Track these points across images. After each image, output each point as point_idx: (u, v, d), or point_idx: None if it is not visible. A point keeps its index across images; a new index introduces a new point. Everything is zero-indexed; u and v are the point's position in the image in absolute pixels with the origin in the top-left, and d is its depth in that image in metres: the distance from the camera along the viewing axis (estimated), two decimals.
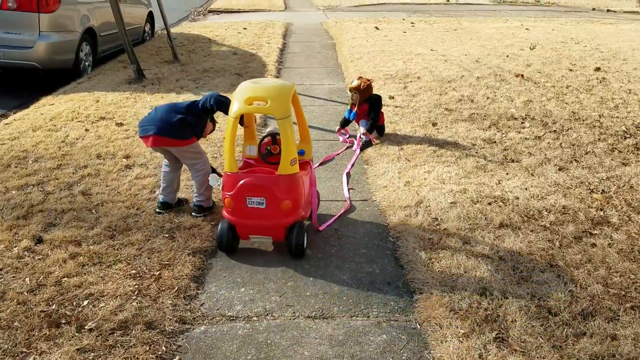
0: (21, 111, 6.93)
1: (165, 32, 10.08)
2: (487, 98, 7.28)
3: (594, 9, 22.84)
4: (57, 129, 6.01)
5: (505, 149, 5.45)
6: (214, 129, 4.26)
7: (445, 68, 9.14)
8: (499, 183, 4.57)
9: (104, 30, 9.81)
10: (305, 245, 3.61)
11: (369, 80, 5.82)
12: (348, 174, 5.04)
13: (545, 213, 4.08)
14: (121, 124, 6.16)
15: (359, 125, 5.92)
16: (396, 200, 4.34)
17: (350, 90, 5.96)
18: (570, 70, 9.25)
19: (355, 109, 5.88)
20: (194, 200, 4.10)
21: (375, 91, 6.06)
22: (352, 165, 5.26)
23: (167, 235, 3.76)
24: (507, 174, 4.80)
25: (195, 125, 3.98)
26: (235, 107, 3.50)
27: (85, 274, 3.31)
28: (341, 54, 11.01)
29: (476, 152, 5.34)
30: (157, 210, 4.12)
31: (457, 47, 11.50)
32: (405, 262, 3.50)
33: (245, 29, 13.89)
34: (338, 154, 5.55)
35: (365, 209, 4.35)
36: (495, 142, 5.66)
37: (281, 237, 3.61)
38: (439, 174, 4.76)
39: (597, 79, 8.62)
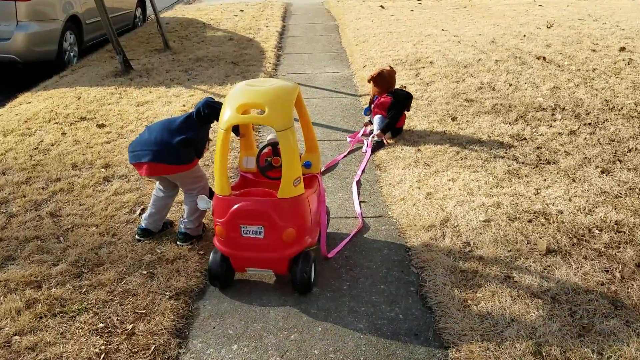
0: None
1: (158, 15, 9.35)
2: (510, 85, 6.57)
3: None
4: (31, 132, 5.36)
5: (537, 148, 4.77)
6: (207, 148, 3.58)
7: (460, 50, 8.40)
8: (538, 193, 3.90)
9: (90, 17, 9.10)
10: (312, 279, 2.98)
11: (387, 67, 5.13)
12: (358, 183, 4.39)
13: (597, 232, 3.42)
14: (102, 125, 5.50)
15: (371, 121, 5.25)
16: (417, 217, 3.69)
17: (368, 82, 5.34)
18: (593, 50, 8.49)
19: (368, 104, 5.19)
20: (182, 226, 3.46)
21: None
22: (363, 171, 4.60)
23: (145, 273, 3.12)
24: (545, 180, 4.13)
25: (197, 142, 3.36)
26: (226, 117, 2.83)
27: (42, 329, 2.69)
28: (345, 37, 10.26)
29: (505, 153, 4.66)
30: (137, 236, 3.49)
31: (470, 26, 10.72)
32: (435, 303, 2.86)
33: (242, 11, 13.11)
34: (345, 157, 4.88)
35: (381, 228, 3.70)
36: (525, 138, 4.98)
37: (284, 270, 2.98)
38: (466, 182, 4.09)
39: (623, 60, 7.87)
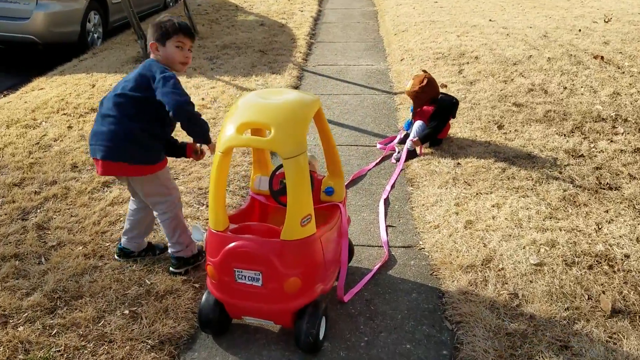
0: (5, 97, 5.92)
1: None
2: (564, 88, 5.87)
3: None
4: (36, 124, 4.97)
5: (597, 168, 4.12)
6: (202, 154, 3.05)
7: (508, 45, 7.67)
8: (599, 229, 3.29)
9: None
10: (321, 337, 2.47)
11: (425, 77, 4.45)
12: (386, 201, 3.84)
13: None
14: None
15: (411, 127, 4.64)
16: (453, 252, 3.12)
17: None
18: None
19: (410, 116, 4.57)
20: (170, 251, 2.98)
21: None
22: (392, 186, 4.04)
23: (127, 312, 2.66)
24: (607, 211, 3.50)
25: (158, 134, 2.75)
26: (224, 137, 2.32)
27: None
28: (383, 25, 9.61)
29: (560, 173, 4.03)
30: (116, 256, 3.05)
31: (519, 17, 9.91)
32: None
33: None
34: (372, 168, 4.33)
35: (410, 262, 3.16)
36: (582, 155, 4.33)
37: (286, 323, 2.47)
38: (513, 209, 3.50)
39: None
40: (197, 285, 2.89)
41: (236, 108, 2.41)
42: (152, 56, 2.75)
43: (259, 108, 2.36)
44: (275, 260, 2.29)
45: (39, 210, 3.58)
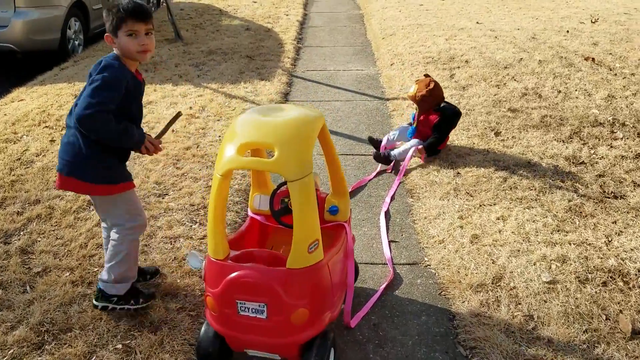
0: None
1: (169, 3, 8.65)
2: (558, 92, 5.79)
3: None
4: (17, 138, 4.75)
5: (599, 175, 4.03)
6: (155, 149, 2.57)
7: (498, 47, 7.59)
8: (609, 242, 3.18)
9: (97, 2, 8.46)
10: None
11: (429, 82, 4.32)
12: (387, 214, 3.70)
13: None
14: None
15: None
16: (461, 269, 3.00)
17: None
18: None
19: (415, 123, 4.42)
20: (99, 277, 2.67)
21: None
22: (392, 198, 3.91)
23: (120, 346, 2.48)
24: (615, 222, 3.41)
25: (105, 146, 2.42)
26: (224, 159, 2.16)
27: None
28: (370, 29, 9.49)
29: (562, 182, 3.93)
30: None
31: (506, 18, 9.86)
32: None
33: None
34: (372, 179, 4.20)
35: (416, 281, 3.02)
36: (583, 162, 4.23)
37: (293, 356, 2.31)
38: (519, 222, 3.38)
39: None
40: (193, 314, 2.72)
41: (235, 126, 2.25)
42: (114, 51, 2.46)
43: (261, 127, 2.21)
44: (281, 291, 2.14)
45: (22, 233, 3.38)
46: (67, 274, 2.98)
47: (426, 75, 4.48)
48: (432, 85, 4.27)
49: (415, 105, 4.50)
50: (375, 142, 4.55)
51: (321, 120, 2.33)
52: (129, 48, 2.39)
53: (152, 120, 5.13)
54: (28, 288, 2.88)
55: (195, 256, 2.43)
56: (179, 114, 2.70)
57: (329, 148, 2.53)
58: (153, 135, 2.59)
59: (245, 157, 2.15)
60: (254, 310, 2.18)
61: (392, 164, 4.32)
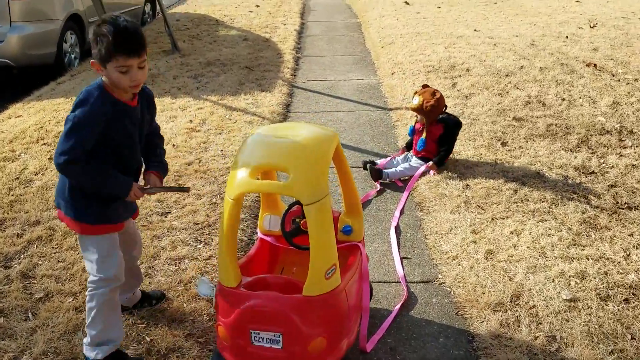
0: None
1: (166, 15, 8.58)
2: (562, 100, 5.73)
3: None
4: (15, 157, 4.65)
5: (611, 185, 3.96)
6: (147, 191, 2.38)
7: (497, 55, 7.55)
8: (628, 256, 3.10)
9: (93, 15, 8.34)
10: None
11: (434, 91, 4.24)
12: (397, 229, 3.62)
13: None
14: None
15: (414, 150, 4.42)
16: (478, 287, 2.91)
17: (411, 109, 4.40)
18: None
19: (424, 134, 4.28)
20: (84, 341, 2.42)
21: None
22: (401, 212, 3.83)
23: None
24: (631, 234, 3.33)
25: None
26: (236, 182, 2.07)
27: None
28: (369, 37, 9.44)
29: (574, 193, 3.86)
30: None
31: (504, 25, 9.83)
32: None
33: (257, 6, 12.29)
34: (378, 192, 4.11)
35: (431, 300, 2.93)
36: (593, 172, 4.16)
37: None
38: (534, 236, 3.30)
39: None
40: (201, 340, 2.62)
41: (246, 147, 2.17)
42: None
43: (273, 148, 2.12)
44: (297, 320, 2.05)
45: (22, 256, 3.28)
46: (70, 299, 2.88)
47: (425, 86, 4.41)
48: (438, 95, 4.20)
49: (417, 117, 4.42)
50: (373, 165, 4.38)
51: (335, 140, 2.25)
52: (121, 83, 2.15)
53: None
54: (30, 315, 2.78)
55: (206, 283, 2.34)
56: (186, 190, 2.57)
57: (343, 166, 2.45)
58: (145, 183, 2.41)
59: (258, 181, 2.06)
60: (268, 341, 2.09)
61: (379, 182, 4.20)
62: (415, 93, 4.29)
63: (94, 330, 2.32)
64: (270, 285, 2.18)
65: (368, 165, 4.27)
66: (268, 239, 2.67)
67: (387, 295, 2.98)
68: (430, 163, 4.20)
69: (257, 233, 3.04)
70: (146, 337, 2.61)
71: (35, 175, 4.30)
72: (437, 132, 4.22)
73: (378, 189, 4.14)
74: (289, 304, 2.06)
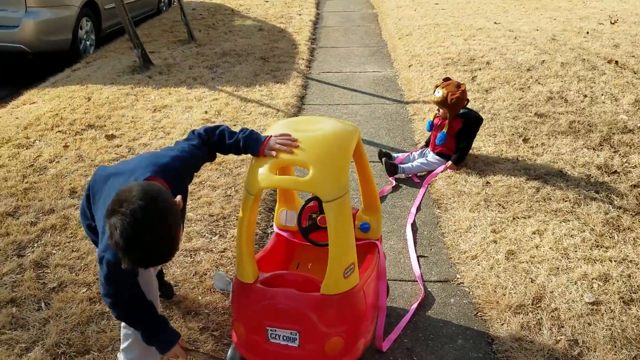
0: None
1: (182, 4, 8.52)
2: (585, 96, 5.61)
3: None
4: (30, 143, 4.63)
5: (634, 186, 3.86)
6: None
7: (518, 49, 7.41)
8: None
9: (109, 2, 8.32)
10: None
11: (458, 84, 4.14)
12: (413, 226, 3.55)
13: None
14: (112, 137, 4.74)
15: (432, 144, 4.33)
16: (498, 288, 2.84)
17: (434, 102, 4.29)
18: None
19: (445, 127, 4.17)
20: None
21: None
22: (418, 208, 3.76)
23: None
24: None
25: None
26: (255, 177, 2.01)
27: None
28: (386, 29, 9.32)
29: (596, 192, 3.76)
30: None
31: (524, 18, 9.66)
32: None
33: None
34: (393, 188, 4.04)
35: (449, 300, 2.87)
36: (616, 171, 4.06)
37: None
38: (557, 237, 3.22)
39: None
40: (216, 334, 2.58)
41: None
42: None
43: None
44: (315, 318, 1.99)
45: (36, 245, 3.26)
46: (84, 289, 2.85)
47: (447, 79, 4.30)
48: (463, 87, 4.11)
49: (437, 111, 4.33)
50: (389, 159, 4.30)
51: (356, 135, 2.18)
52: None
53: (167, 125, 4.99)
54: (43, 305, 2.76)
55: (222, 277, 2.29)
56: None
57: (363, 162, 2.38)
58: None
59: (278, 176, 2.00)
60: (285, 338, 2.04)
61: (394, 177, 4.13)
62: (437, 86, 4.19)
63: (130, 355, 2.20)
64: (288, 283, 2.13)
65: (384, 160, 4.19)
66: (284, 234, 2.61)
67: (404, 294, 2.92)
68: (449, 163, 4.12)
69: (271, 227, 3.00)
70: None
71: (50, 162, 4.27)
72: (456, 126, 4.13)
73: (393, 184, 4.07)
74: (307, 302, 2.01)
